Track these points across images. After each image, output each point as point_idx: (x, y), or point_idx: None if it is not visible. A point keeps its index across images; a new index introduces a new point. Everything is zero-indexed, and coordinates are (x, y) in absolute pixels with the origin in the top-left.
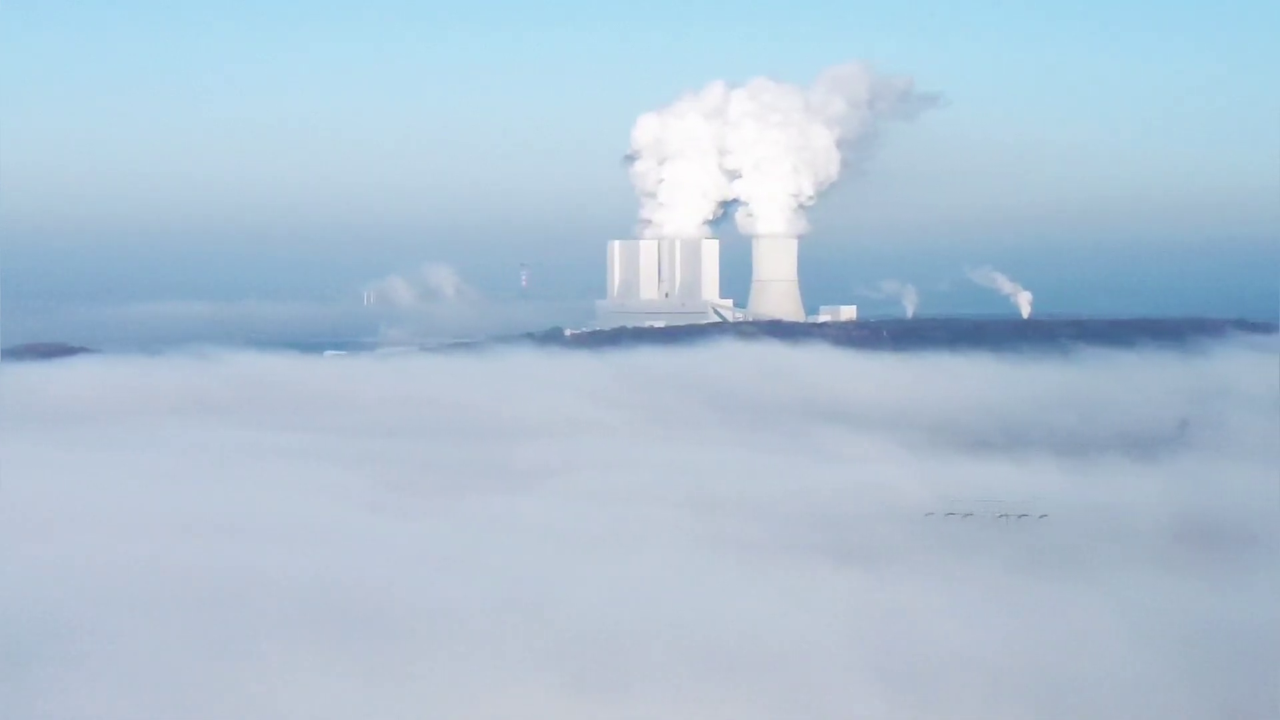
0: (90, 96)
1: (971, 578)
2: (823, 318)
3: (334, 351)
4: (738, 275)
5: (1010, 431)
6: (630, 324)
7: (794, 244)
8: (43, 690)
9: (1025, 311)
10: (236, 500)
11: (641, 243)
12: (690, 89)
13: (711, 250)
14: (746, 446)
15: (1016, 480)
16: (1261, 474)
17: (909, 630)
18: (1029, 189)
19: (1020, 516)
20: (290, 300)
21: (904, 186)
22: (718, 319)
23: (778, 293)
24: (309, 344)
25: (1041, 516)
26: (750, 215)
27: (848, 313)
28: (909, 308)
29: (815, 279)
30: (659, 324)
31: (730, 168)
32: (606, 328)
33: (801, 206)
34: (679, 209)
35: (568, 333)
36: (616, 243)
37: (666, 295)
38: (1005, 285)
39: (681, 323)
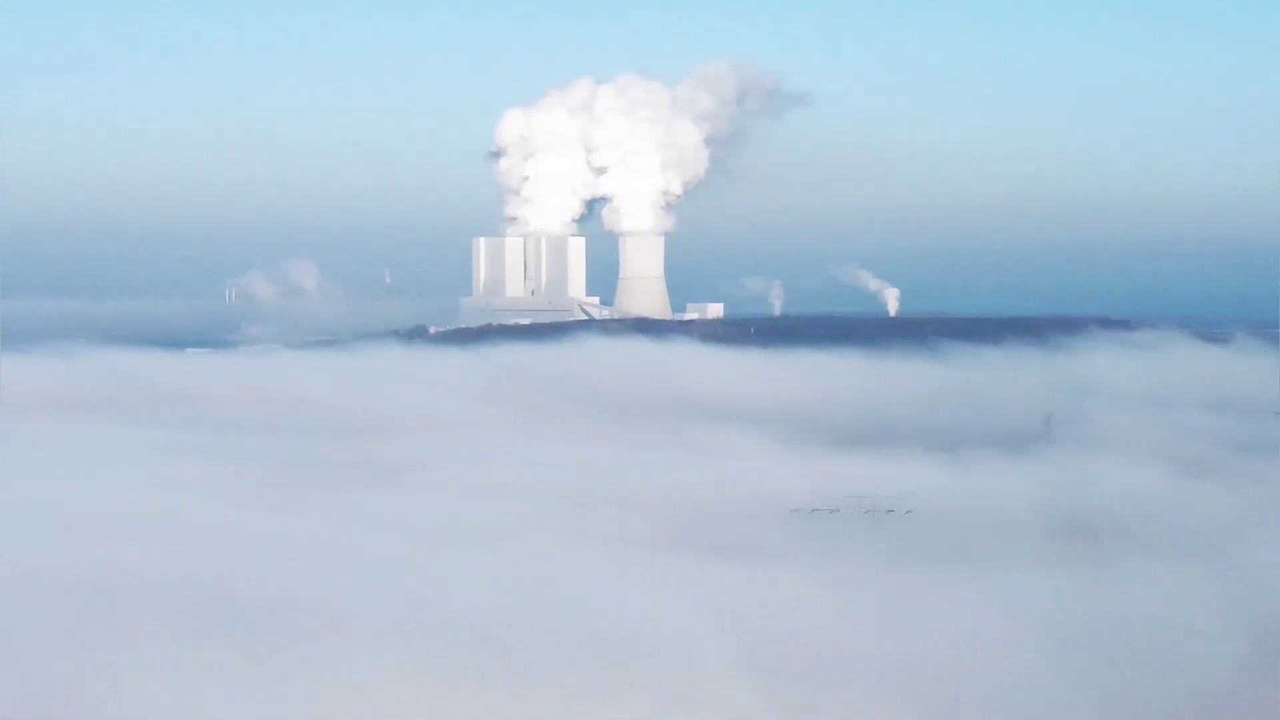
0: None
1: (845, 573)
2: (690, 315)
3: (196, 349)
4: (604, 273)
5: (879, 428)
6: (496, 322)
7: (661, 241)
8: None
9: (892, 309)
10: (101, 497)
11: (507, 240)
12: (557, 85)
13: (578, 247)
14: (617, 442)
15: (886, 476)
16: (1127, 468)
17: (784, 625)
18: (896, 188)
19: (887, 512)
20: (151, 298)
21: (771, 185)
22: (584, 316)
23: (644, 290)
24: (170, 341)
25: (907, 512)
26: (617, 212)
27: (715, 310)
28: (776, 305)
29: (682, 276)
30: (525, 321)
31: (597, 164)
32: (472, 325)
33: (669, 204)
34: (545, 206)
35: (433, 330)
36: (482, 240)
37: (533, 293)
38: (871, 283)
39: (548, 320)
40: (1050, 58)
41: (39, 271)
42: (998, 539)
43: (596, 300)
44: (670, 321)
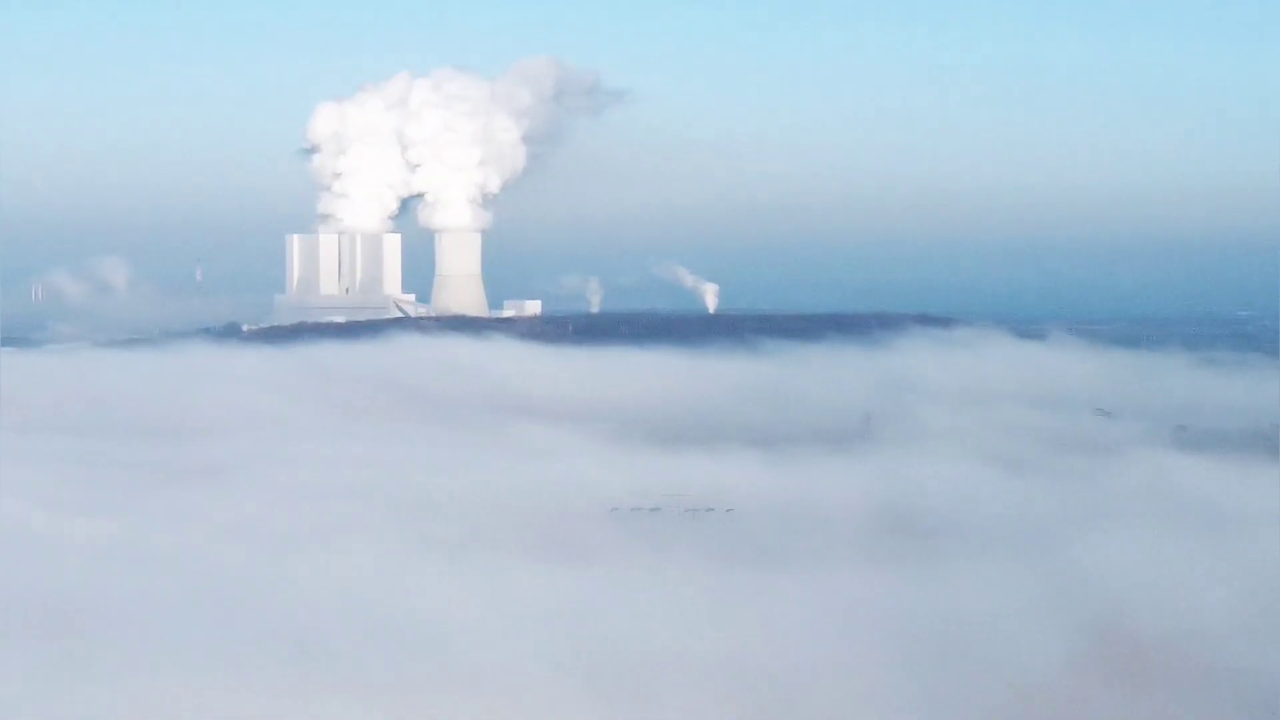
0: None
1: (666, 573)
2: (507, 313)
3: (1, 348)
4: (420, 270)
5: (699, 425)
6: (310, 319)
7: (477, 238)
8: None
9: (711, 306)
10: None
11: (321, 237)
12: (372, 80)
13: (393, 245)
14: (434, 441)
15: (707, 474)
16: (946, 466)
17: (605, 626)
18: (715, 184)
19: (708, 510)
20: None
21: (589, 181)
22: (400, 314)
23: (461, 287)
24: None
25: (728, 510)
26: (433, 208)
27: (532, 307)
28: (594, 302)
29: (499, 274)
30: (340, 319)
31: (413, 160)
32: (286, 323)
33: (485, 200)
34: (360, 202)
35: (245, 328)
36: (295, 237)
37: (347, 290)
38: (689, 279)
39: (363, 318)
40: (870, 48)
41: None
42: (819, 537)
43: (413, 298)
44: (487, 319)
